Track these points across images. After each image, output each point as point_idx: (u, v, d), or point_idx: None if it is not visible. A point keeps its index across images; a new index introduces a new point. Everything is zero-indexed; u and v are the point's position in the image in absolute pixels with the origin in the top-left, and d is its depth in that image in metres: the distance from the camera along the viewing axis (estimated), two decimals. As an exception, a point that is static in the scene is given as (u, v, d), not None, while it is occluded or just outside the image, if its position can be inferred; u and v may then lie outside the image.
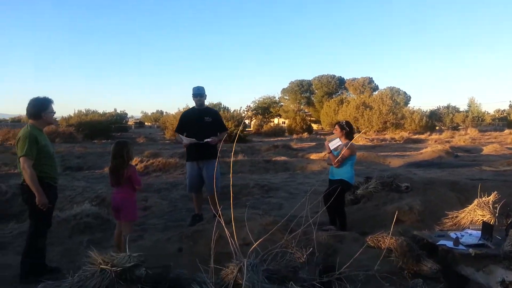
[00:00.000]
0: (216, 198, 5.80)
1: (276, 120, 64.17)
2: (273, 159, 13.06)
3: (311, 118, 60.08)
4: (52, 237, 4.95)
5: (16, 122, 49.91)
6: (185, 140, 5.42)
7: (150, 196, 6.95)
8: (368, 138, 28.39)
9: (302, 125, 40.93)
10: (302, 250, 3.77)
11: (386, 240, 3.76)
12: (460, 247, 3.45)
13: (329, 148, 5.04)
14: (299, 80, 62.05)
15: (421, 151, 16.52)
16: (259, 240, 3.38)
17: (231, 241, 3.37)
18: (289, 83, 62.54)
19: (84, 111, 41.70)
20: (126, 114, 52.82)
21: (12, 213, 6.86)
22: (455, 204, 5.51)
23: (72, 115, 39.92)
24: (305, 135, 34.82)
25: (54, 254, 4.45)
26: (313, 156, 14.83)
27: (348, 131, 5.15)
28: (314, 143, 22.22)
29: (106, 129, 35.40)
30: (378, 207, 5.53)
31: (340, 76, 60.19)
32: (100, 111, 42.99)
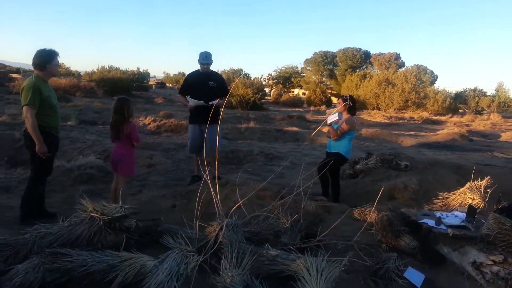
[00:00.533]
0: (215, 161, 5.98)
1: (296, 91, 63.57)
2: (285, 128, 13.10)
3: (332, 91, 59.25)
4: (56, 184, 5.21)
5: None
6: (192, 102, 5.50)
7: (155, 155, 7.14)
8: (386, 116, 27.97)
9: (322, 98, 40.48)
10: (287, 216, 3.90)
11: (370, 213, 3.84)
12: (441, 226, 3.51)
13: (329, 120, 5.05)
14: (324, 51, 60.82)
15: (436, 133, 16.27)
16: (239, 202, 3.51)
17: (215, 201, 3.52)
18: (313, 54, 61.40)
19: (107, 68, 42.15)
20: (148, 73, 53.10)
21: (23, 160, 7.17)
22: (453, 186, 5.49)
23: (95, 70, 40.45)
24: (323, 107, 34.46)
25: (55, 201, 4.69)
26: (325, 129, 14.77)
27: (351, 105, 5.13)
28: (330, 117, 22.03)
29: (127, 87, 35.71)
30: (375, 183, 5.58)
31: (366, 50, 58.67)
32: (123, 68, 43.38)
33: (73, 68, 55.22)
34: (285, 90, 58.31)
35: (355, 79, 44.30)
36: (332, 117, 5.07)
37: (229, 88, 6.17)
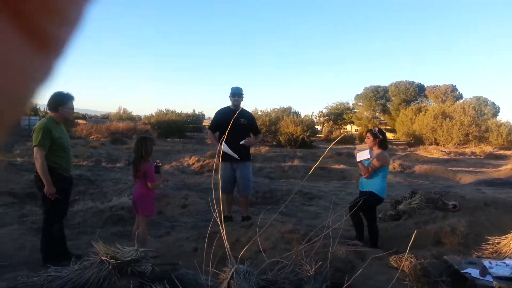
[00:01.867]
0: (247, 201, 5.79)
1: (348, 127, 62.49)
2: (330, 166, 12.68)
3: (386, 127, 57.51)
4: (86, 226, 5.25)
5: (105, 118, 54.09)
6: (225, 148, 5.34)
7: (191, 195, 7.08)
8: (445, 151, 26.45)
9: (375, 134, 39.36)
10: (311, 263, 3.59)
11: (403, 261, 3.43)
12: (487, 278, 3.04)
13: (358, 158, 4.73)
14: (374, 86, 59.79)
15: (499, 168, 15.01)
16: (245, 248, 3.27)
17: (225, 244, 3.31)
18: (364, 89, 60.52)
19: (164, 111, 44.07)
20: (203, 115, 54.76)
21: (71, 200, 7.42)
22: (510, 229, 4.89)
23: (153, 114, 42.42)
24: (376, 144, 33.44)
25: (83, 242, 4.68)
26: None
27: (381, 139, 4.80)
28: (382, 153, 21.21)
29: (180, 128, 36.98)
30: (419, 226, 5.08)
31: (420, 83, 56.90)
32: (179, 111, 45.13)
33: (135, 113, 58.45)
34: (337, 127, 57.53)
35: (410, 113, 42.76)
36: (362, 154, 4.75)
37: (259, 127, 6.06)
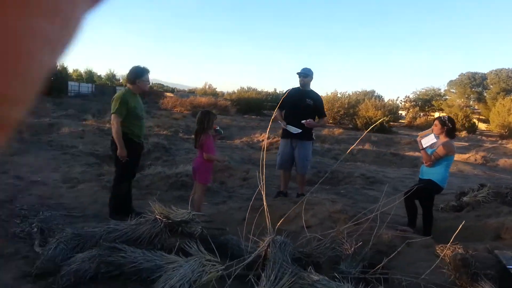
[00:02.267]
0: (304, 179, 5.87)
1: (436, 114, 58.63)
2: (404, 153, 12.17)
3: (480, 117, 52.99)
4: (153, 188, 5.73)
5: (191, 93, 56.59)
6: (290, 128, 5.42)
7: (252, 169, 7.32)
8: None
9: (464, 123, 36.50)
10: (351, 242, 3.61)
11: (447, 250, 3.32)
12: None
13: (422, 145, 4.54)
14: (471, 72, 55.09)
15: None
16: (282, 219, 3.38)
17: (267, 216, 3.45)
18: (459, 75, 56.05)
19: (246, 88, 44.94)
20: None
21: (144, 165, 8.08)
22: None
23: (235, 91, 43.52)
24: (463, 133, 31.00)
25: (147, 203, 5.13)
26: (455, 157, 13.23)
27: (450, 128, 4.55)
28: (468, 143, 19.74)
29: (259, 106, 37.56)
30: (480, 219, 4.80)
31: (526, 71, 51.21)
32: (260, 89, 45.69)
33: (219, 89, 60.38)
34: (424, 113, 54.29)
35: (508, 104, 38.87)
36: (429, 139, 4.55)
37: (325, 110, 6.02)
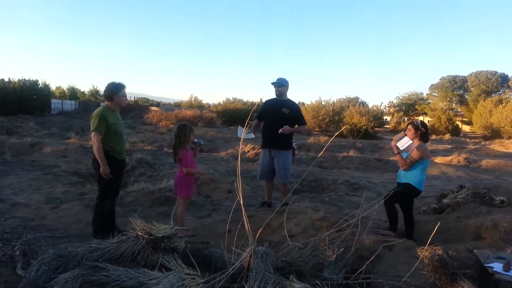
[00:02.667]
0: (286, 188, 5.92)
1: (421, 118, 59.52)
2: (388, 158, 12.34)
3: (463, 119, 53.99)
4: (136, 205, 5.72)
5: (177, 106, 56.47)
6: (239, 133, 5.56)
7: (237, 181, 7.35)
8: (525, 146, 24.30)
9: (448, 125, 37.19)
10: (334, 249, 3.66)
11: (426, 252, 3.39)
12: (510, 272, 2.94)
13: (397, 149, 4.63)
14: (452, 75, 56.20)
15: None
16: (260, 229, 3.42)
17: (246, 226, 3.49)
18: (440, 79, 57.17)
19: (232, 99, 45.00)
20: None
21: (128, 182, 8.04)
22: None
23: (221, 102, 43.55)
24: (447, 136, 31.56)
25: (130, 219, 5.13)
26: (438, 160, 13.48)
27: (423, 132, 4.66)
28: (451, 146, 20.07)
29: (244, 117, 37.60)
30: (460, 220, 4.89)
31: (503, 73, 52.43)
32: (245, 100, 45.84)
33: (205, 101, 60.43)
34: (408, 117, 55.06)
35: (489, 105, 39.74)
36: (404, 142, 4.64)
37: (303, 117, 6.11)
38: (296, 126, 5.87)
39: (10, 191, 6.28)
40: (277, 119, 5.57)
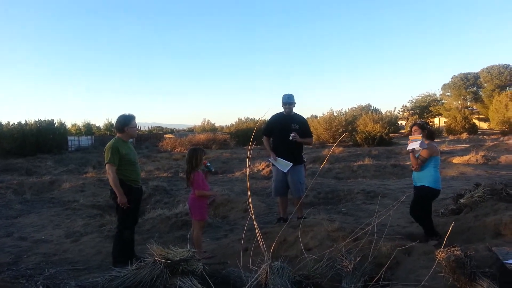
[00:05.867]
0: (300, 203, 5.90)
1: (436, 120, 58.79)
2: (404, 163, 12.19)
3: (480, 116, 53.11)
4: (153, 231, 5.78)
5: (190, 131, 56.96)
6: (279, 162, 5.59)
7: (253, 199, 7.36)
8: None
9: (464, 124, 36.56)
10: (350, 259, 3.63)
11: (442, 254, 3.34)
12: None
13: (410, 146, 4.62)
14: (463, 73, 55.51)
15: None
16: (273, 244, 3.42)
17: (260, 242, 3.50)
18: (451, 78, 56.48)
19: (244, 119, 45.21)
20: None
21: (146, 210, 8.12)
22: None
23: (234, 123, 43.78)
24: (464, 135, 31.04)
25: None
26: (456, 160, 13.26)
27: (429, 130, 4.67)
28: (469, 145, 19.72)
29: (258, 136, 37.72)
30: (478, 218, 4.80)
31: (517, 66, 51.59)
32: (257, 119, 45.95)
33: (218, 123, 61.02)
34: (424, 120, 54.28)
35: (504, 99, 39.04)
36: (414, 143, 4.62)
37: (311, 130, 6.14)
38: None
39: (32, 229, 6.41)
40: (288, 135, 5.59)
